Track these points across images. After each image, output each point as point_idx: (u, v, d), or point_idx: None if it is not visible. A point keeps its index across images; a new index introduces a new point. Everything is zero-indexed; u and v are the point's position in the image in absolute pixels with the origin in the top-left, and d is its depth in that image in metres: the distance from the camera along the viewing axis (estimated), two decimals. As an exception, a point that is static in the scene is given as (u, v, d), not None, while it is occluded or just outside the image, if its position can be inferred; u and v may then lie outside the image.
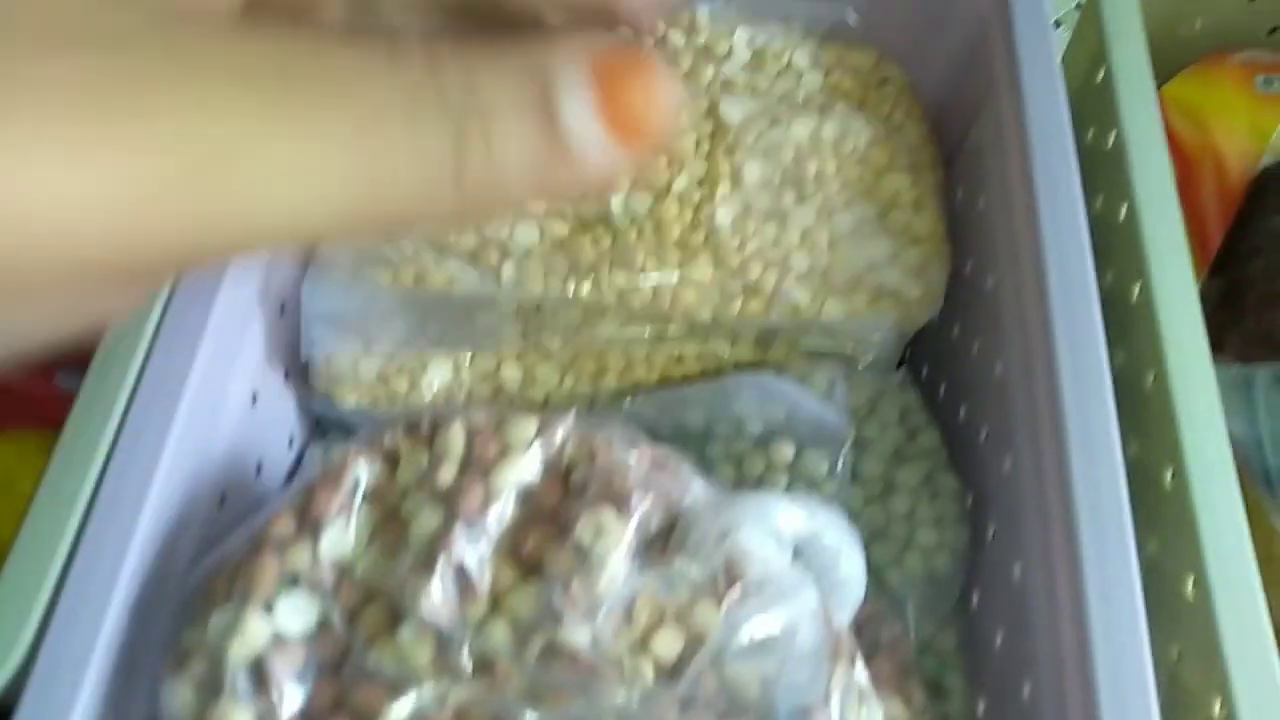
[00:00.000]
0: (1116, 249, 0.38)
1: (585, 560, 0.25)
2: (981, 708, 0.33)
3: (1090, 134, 0.43)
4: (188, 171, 0.12)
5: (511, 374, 0.32)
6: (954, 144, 0.43)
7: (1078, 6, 0.73)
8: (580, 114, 0.14)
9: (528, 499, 0.27)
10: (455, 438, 0.28)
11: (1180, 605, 0.31)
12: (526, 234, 0.30)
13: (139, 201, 0.12)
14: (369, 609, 0.26)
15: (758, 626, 0.24)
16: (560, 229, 0.30)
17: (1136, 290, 0.36)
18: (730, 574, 0.25)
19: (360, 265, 0.30)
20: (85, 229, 0.12)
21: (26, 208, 0.12)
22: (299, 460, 0.37)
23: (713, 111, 0.33)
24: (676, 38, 0.36)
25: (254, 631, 0.25)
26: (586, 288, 0.30)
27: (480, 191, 0.14)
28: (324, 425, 0.38)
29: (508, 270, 0.30)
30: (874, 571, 0.33)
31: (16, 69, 0.12)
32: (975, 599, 0.34)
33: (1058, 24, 0.69)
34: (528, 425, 0.28)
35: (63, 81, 0.12)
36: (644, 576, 0.26)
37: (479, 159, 0.13)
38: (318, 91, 0.13)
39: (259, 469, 0.34)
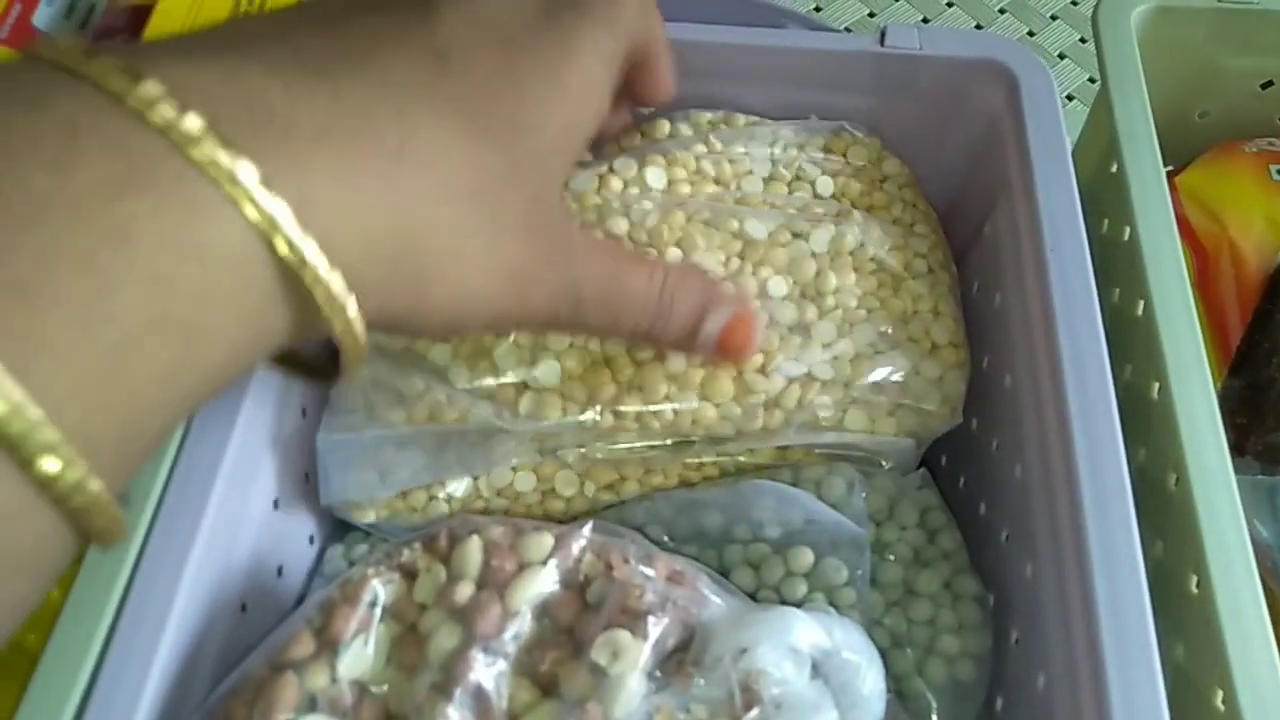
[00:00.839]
0: (1134, 345, 0.38)
1: (602, 682, 0.25)
2: (1008, 821, 0.32)
3: (1105, 225, 0.43)
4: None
5: (528, 484, 0.33)
6: (969, 237, 0.43)
7: (1090, 80, 0.74)
8: (713, 329, 0.28)
9: (545, 614, 0.28)
10: (472, 553, 0.28)
11: (1210, 717, 0.30)
12: (547, 370, 0.30)
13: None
14: (387, 729, 0.26)
15: (776, 754, 0.24)
16: (579, 362, 0.31)
17: (1155, 389, 0.36)
18: (748, 694, 0.25)
19: (372, 406, 0.31)
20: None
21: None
22: (320, 557, 0.37)
23: (740, 230, 0.34)
24: (698, 150, 0.37)
25: (273, 756, 0.25)
26: (608, 417, 0.30)
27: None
28: (345, 522, 0.38)
29: (525, 404, 0.30)
30: (896, 680, 0.33)
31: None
32: (999, 704, 0.34)
33: (1070, 98, 0.69)
34: (544, 540, 0.28)
35: None
36: (661, 695, 0.26)
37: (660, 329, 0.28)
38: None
39: (280, 571, 0.34)
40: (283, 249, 0.18)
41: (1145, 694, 0.27)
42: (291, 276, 0.19)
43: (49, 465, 0.16)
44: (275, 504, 0.34)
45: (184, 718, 0.28)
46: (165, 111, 0.17)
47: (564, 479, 0.33)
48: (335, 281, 0.19)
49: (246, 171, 0.17)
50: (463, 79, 0.22)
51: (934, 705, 0.32)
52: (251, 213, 0.18)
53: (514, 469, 0.32)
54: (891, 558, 0.35)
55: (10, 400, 0.15)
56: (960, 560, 0.36)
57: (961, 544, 0.37)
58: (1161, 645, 0.28)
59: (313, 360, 0.25)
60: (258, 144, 0.18)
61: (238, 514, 0.31)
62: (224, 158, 0.17)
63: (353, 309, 0.20)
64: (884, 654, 0.33)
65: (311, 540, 0.37)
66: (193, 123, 0.17)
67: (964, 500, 0.39)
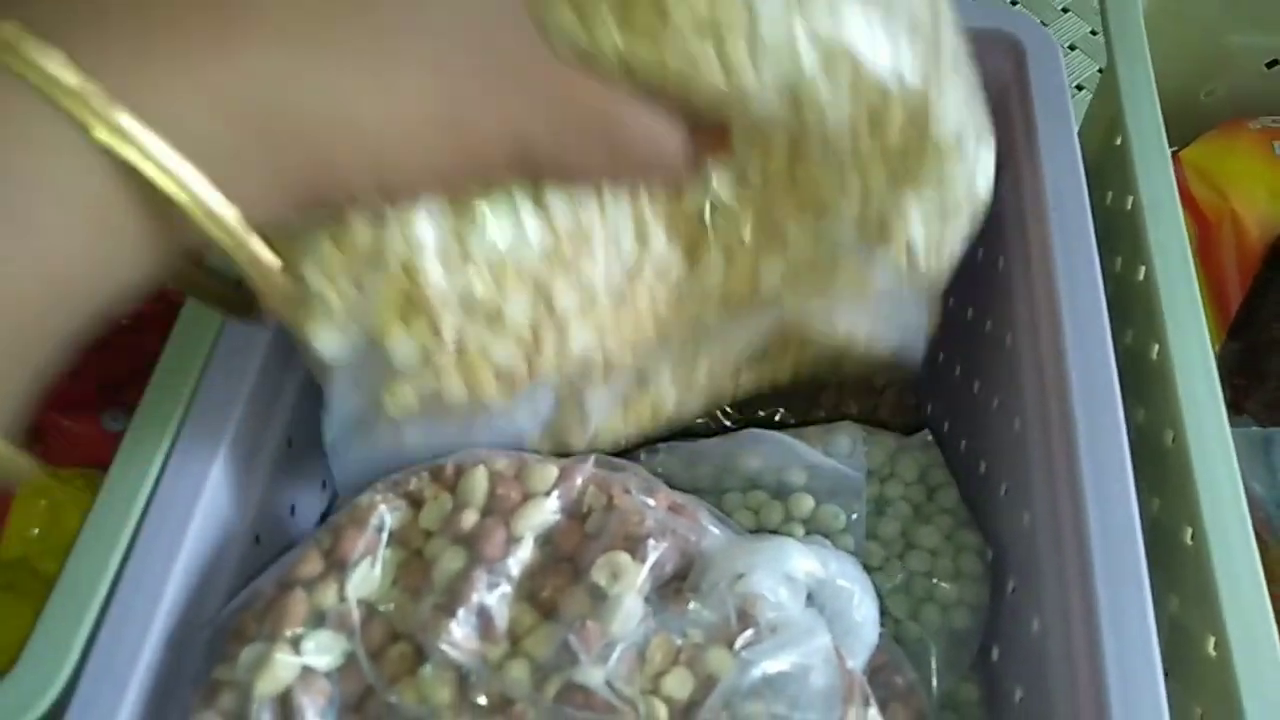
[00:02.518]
0: (1136, 309, 0.39)
1: (600, 602, 0.26)
2: (1000, 765, 0.32)
3: (1109, 196, 0.44)
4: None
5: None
6: (974, 205, 0.43)
7: (1100, 70, 0.74)
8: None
9: (547, 543, 0.28)
10: (478, 483, 0.29)
11: (1202, 665, 0.31)
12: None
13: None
14: (393, 648, 0.27)
15: (770, 668, 0.25)
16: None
17: (1155, 351, 0.36)
18: (743, 617, 0.26)
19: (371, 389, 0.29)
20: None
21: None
22: (332, 503, 0.38)
23: None
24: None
25: (281, 667, 0.26)
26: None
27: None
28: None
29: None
30: (893, 625, 0.34)
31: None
32: (995, 653, 0.34)
33: (1080, 88, 0.70)
34: (548, 471, 0.29)
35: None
36: (658, 619, 0.26)
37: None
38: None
39: (293, 510, 0.35)
40: (100, 133, 0.17)
41: (1137, 636, 0.28)
42: (117, 161, 0.18)
43: None
44: (289, 442, 0.34)
45: (198, 633, 0.28)
46: None
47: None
48: (174, 163, 0.18)
49: (55, 60, 0.17)
50: None
51: (932, 649, 0.32)
52: (64, 99, 0.17)
53: None
54: (891, 512, 0.36)
55: None
56: (960, 515, 0.36)
57: (960, 501, 0.37)
58: (1156, 598, 0.28)
59: (229, 293, 0.25)
60: (69, 32, 0.18)
61: (253, 446, 0.32)
62: (33, 50, 0.17)
63: (222, 207, 0.19)
64: (882, 601, 0.34)
65: (324, 485, 0.38)
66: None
67: (966, 461, 0.40)
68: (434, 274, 0.26)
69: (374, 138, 0.21)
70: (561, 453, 0.33)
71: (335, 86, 0.20)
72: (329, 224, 0.25)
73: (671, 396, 0.34)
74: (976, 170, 0.31)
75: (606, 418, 0.33)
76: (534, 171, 0.25)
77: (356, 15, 0.20)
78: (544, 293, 0.27)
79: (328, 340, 0.27)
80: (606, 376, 0.30)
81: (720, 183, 0.29)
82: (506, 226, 0.26)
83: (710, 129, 0.26)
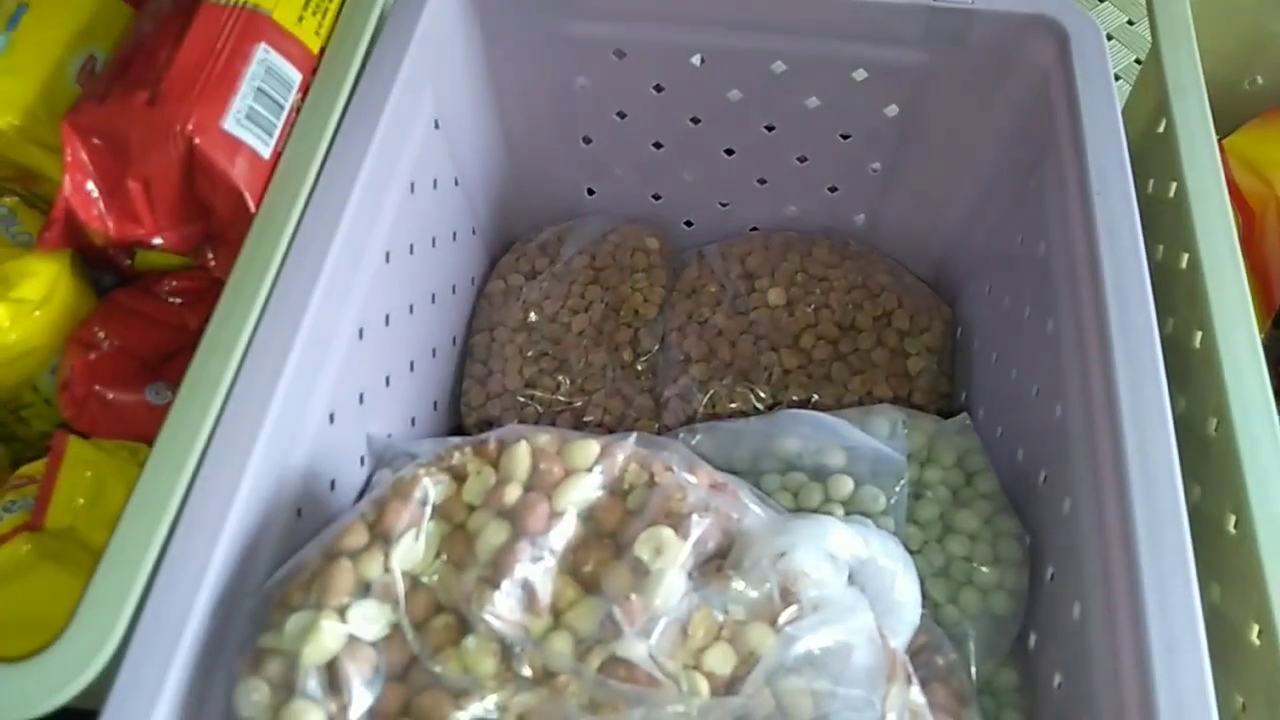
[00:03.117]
0: (1178, 297, 0.38)
1: (643, 577, 0.26)
2: (1039, 750, 0.32)
3: (1151, 184, 0.43)
4: None
5: None
6: (1019, 189, 0.43)
7: (1137, 61, 0.73)
8: None
9: (589, 518, 0.28)
10: (521, 458, 0.29)
11: (1244, 653, 0.30)
12: None
13: None
14: (437, 619, 0.27)
15: (812, 645, 0.25)
16: None
17: (1198, 338, 0.36)
18: (785, 594, 0.26)
19: None
20: None
21: None
22: (369, 478, 0.38)
23: None
24: None
25: (328, 635, 0.26)
26: None
27: None
28: (394, 451, 0.39)
29: None
30: (932, 608, 0.33)
31: None
32: (1033, 640, 0.34)
33: (1117, 78, 0.69)
34: (590, 448, 0.29)
35: None
36: (700, 595, 0.26)
37: None
38: None
39: (333, 485, 0.35)
40: None
41: (1184, 623, 0.27)
42: None
43: None
44: (330, 418, 0.35)
45: (242, 601, 0.29)
46: None
47: None
48: None
49: None
50: None
51: (970, 634, 0.32)
52: None
53: None
54: (930, 495, 0.35)
55: None
56: (999, 501, 0.36)
57: (999, 487, 0.37)
58: (1200, 582, 0.28)
59: None
60: None
61: (296, 422, 0.32)
62: None
63: None
64: (921, 584, 0.33)
65: (362, 461, 0.38)
66: None
67: (1003, 449, 0.40)
68: None
69: None
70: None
71: None
72: None
73: None
74: None
75: None
76: None
77: None
78: None
79: None
80: None
81: None
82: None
83: None
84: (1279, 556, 0.30)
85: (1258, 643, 0.30)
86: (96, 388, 0.38)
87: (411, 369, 0.43)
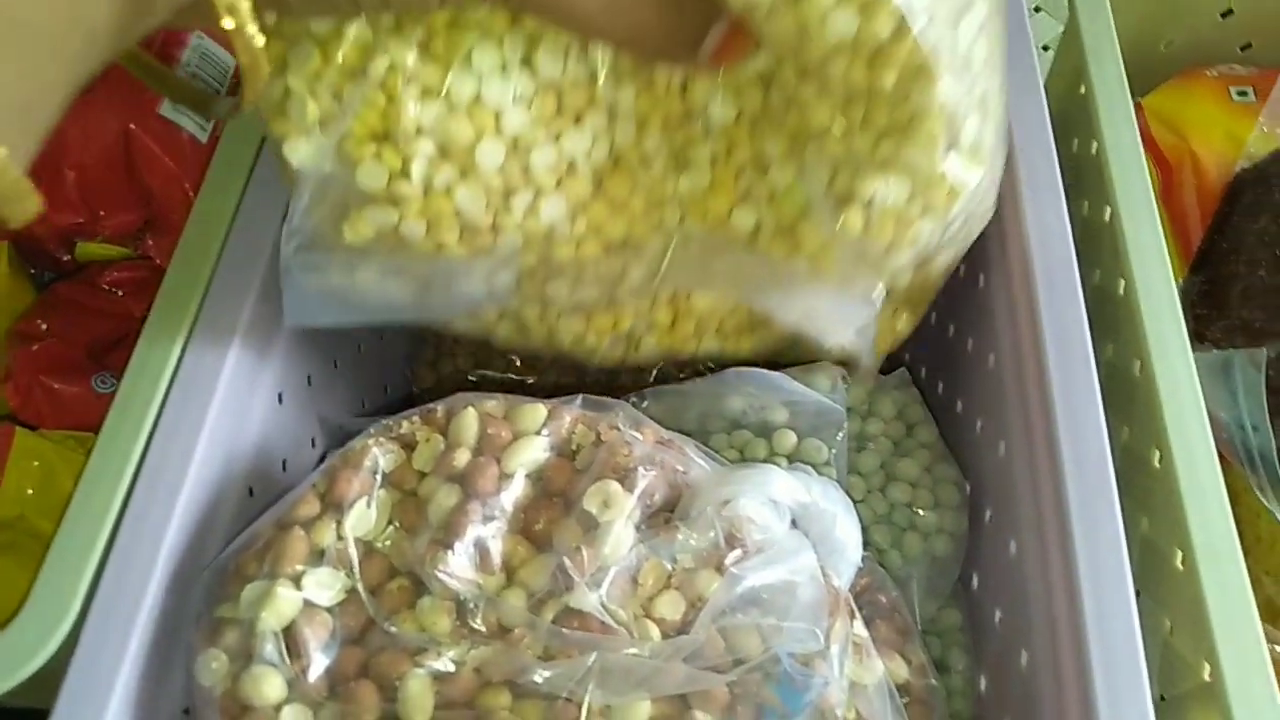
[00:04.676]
0: (1103, 249, 0.40)
1: (592, 530, 0.27)
2: (983, 683, 0.34)
3: (1075, 144, 0.45)
4: None
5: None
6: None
7: (1065, 32, 0.75)
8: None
9: (538, 479, 0.29)
10: (469, 423, 0.29)
11: (1171, 579, 0.32)
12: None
13: None
14: (392, 583, 0.28)
15: (757, 584, 0.25)
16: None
17: (1122, 287, 0.38)
18: (730, 539, 0.27)
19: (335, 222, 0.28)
20: None
21: None
22: (322, 459, 0.38)
23: None
24: None
25: (285, 601, 0.27)
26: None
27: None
28: (346, 431, 0.39)
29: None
30: (876, 554, 0.35)
31: None
32: (975, 581, 0.35)
33: (1046, 48, 0.71)
34: (538, 411, 0.30)
35: None
36: (648, 546, 0.27)
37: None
38: None
39: (285, 465, 0.35)
40: None
41: (1109, 549, 0.29)
42: None
43: None
44: (280, 398, 0.35)
45: (198, 578, 0.29)
46: None
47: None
48: None
49: None
50: None
51: (914, 576, 0.34)
52: None
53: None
54: (872, 447, 0.37)
55: None
56: (938, 450, 0.37)
57: (938, 436, 0.38)
58: (1126, 519, 0.30)
59: (199, 91, 0.25)
60: None
61: (244, 400, 0.33)
62: None
63: None
64: (866, 532, 0.35)
65: (313, 443, 0.38)
66: None
67: (943, 402, 0.41)
68: (411, 102, 0.26)
69: None
70: (518, 343, 0.34)
71: None
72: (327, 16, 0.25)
73: (628, 319, 0.34)
74: (956, 174, 0.28)
75: (567, 318, 0.32)
76: None
77: None
78: (522, 148, 0.27)
79: (299, 148, 0.27)
80: (570, 267, 0.30)
81: (721, 99, 0.29)
82: (493, 72, 0.26)
83: (730, 28, 0.25)
84: (1196, 486, 0.32)
85: (1181, 568, 0.31)
86: (41, 378, 0.38)
87: (360, 350, 0.43)
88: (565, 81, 0.27)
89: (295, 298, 0.30)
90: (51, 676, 0.27)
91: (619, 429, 0.29)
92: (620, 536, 0.27)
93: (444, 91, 0.26)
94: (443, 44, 0.26)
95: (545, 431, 0.29)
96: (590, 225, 0.29)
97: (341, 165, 0.26)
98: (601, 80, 0.28)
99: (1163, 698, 0.33)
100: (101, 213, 0.36)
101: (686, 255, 0.31)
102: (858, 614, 0.27)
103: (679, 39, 0.25)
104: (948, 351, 0.42)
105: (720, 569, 0.27)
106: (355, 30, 0.25)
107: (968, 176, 0.28)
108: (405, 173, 0.26)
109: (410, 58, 0.25)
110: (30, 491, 0.34)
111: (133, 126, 0.35)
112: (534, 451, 0.29)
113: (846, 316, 0.33)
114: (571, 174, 0.28)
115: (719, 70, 0.27)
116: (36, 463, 0.35)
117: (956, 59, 0.26)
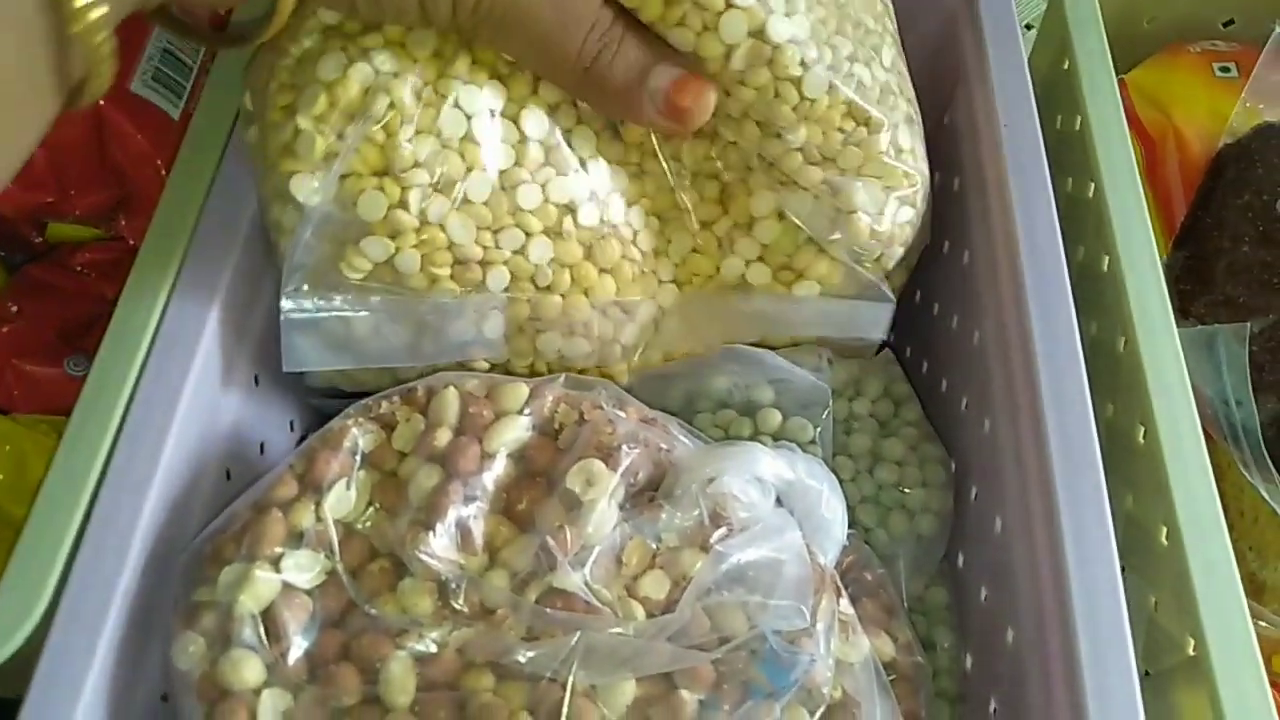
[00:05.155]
0: (1087, 225, 0.40)
1: (575, 508, 0.27)
2: (969, 661, 0.34)
3: (1059, 120, 0.45)
4: None
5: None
6: (930, 128, 0.44)
7: (1048, 8, 0.75)
8: (660, 83, 0.28)
9: (520, 459, 0.29)
10: (450, 403, 0.29)
11: (1156, 555, 0.32)
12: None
13: None
14: (373, 564, 0.27)
15: (742, 562, 0.25)
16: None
17: (1106, 263, 0.38)
18: (715, 518, 0.27)
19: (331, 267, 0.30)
20: None
21: None
22: (300, 442, 0.38)
23: None
24: None
25: (263, 584, 0.26)
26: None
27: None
28: (325, 414, 0.39)
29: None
30: (863, 533, 0.34)
31: None
32: (961, 559, 0.35)
33: (1029, 27, 0.71)
34: (519, 390, 0.29)
35: None
36: (632, 525, 0.27)
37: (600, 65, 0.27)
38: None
39: (262, 449, 0.35)
40: None
41: (1094, 524, 0.29)
42: None
43: None
44: (256, 380, 0.34)
45: (174, 562, 0.28)
46: None
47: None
48: None
49: None
50: None
51: (899, 555, 0.33)
52: None
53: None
54: (859, 427, 0.36)
55: None
56: (924, 429, 0.37)
57: (924, 416, 0.38)
58: (1112, 495, 0.30)
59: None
60: None
61: (220, 381, 0.32)
62: None
63: None
64: (853, 512, 0.34)
65: (292, 426, 0.38)
66: None
67: (927, 382, 0.41)
68: (408, 139, 0.28)
69: None
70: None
71: None
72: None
73: (623, 378, 0.35)
74: (911, 169, 0.33)
75: (558, 364, 0.33)
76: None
77: None
78: (509, 185, 0.29)
79: (306, 184, 0.29)
80: (560, 322, 0.32)
81: (696, 155, 0.33)
82: (486, 114, 0.29)
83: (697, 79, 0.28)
84: (1181, 462, 0.32)
85: (1166, 544, 0.31)
86: (13, 361, 0.37)
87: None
88: (550, 140, 0.30)
89: (293, 343, 0.31)
90: (25, 664, 0.27)
91: (602, 407, 0.29)
92: (604, 515, 0.26)
93: (438, 130, 0.29)
94: (435, 90, 0.29)
95: (527, 411, 0.29)
96: (579, 282, 0.31)
97: (342, 201, 0.29)
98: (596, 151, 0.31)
99: (1148, 673, 0.33)
100: (73, 192, 0.36)
101: (685, 318, 0.34)
102: (844, 591, 0.27)
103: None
104: (932, 329, 0.42)
105: (705, 547, 0.26)
106: (359, 73, 0.28)
107: (920, 168, 0.34)
108: (403, 203, 0.29)
109: (409, 97, 0.28)
110: (1, 477, 0.33)
111: (103, 103, 0.34)
112: (516, 430, 0.29)
113: (874, 316, 0.36)
114: (557, 225, 0.30)
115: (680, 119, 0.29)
116: (8, 447, 0.34)
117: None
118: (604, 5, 0.27)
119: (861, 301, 0.35)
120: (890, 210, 0.33)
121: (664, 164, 0.33)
